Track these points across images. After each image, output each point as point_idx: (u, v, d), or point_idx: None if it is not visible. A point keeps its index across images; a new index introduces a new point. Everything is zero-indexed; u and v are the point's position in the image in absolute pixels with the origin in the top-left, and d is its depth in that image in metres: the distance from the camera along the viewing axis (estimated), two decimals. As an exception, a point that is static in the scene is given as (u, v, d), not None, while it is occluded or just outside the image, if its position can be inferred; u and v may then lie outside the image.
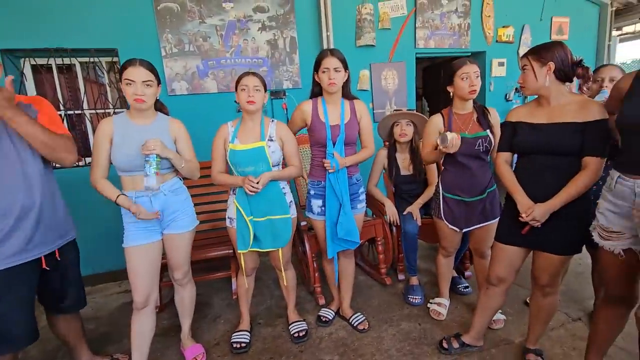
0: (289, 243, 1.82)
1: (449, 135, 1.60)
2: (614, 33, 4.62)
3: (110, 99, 2.85)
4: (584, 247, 1.49)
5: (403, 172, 2.37)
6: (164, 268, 1.96)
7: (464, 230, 1.86)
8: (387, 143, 2.48)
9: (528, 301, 2.11)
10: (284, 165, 1.84)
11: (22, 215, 1.32)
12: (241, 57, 2.94)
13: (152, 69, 1.53)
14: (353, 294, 2.17)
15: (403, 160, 2.37)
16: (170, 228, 1.65)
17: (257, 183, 1.59)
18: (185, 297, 1.84)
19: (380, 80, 3.39)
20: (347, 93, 1.82)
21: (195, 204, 1.83)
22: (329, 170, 1.74)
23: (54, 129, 1.36)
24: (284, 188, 1.79)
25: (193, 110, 2.82)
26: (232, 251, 2.22)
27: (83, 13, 2.55)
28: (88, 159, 2.85)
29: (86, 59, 2.69)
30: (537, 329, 1.67)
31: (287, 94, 3.08)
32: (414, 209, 2.31)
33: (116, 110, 2.84)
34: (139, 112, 1.54)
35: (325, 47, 3.07)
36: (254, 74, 1.67)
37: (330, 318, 2.09)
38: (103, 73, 2.82)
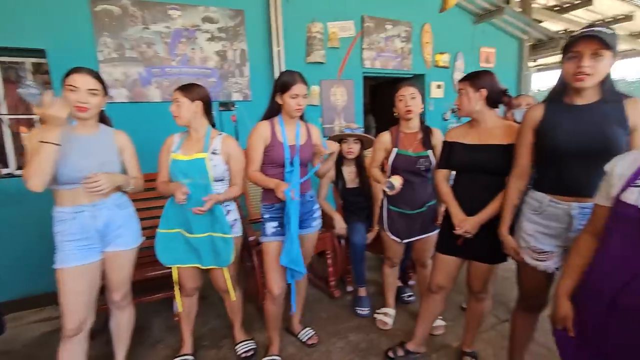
0: (234, 264, 1.76)
1: (396, 182, 1.76)
2: (530, 64, 5.29)
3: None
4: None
5: (349, 184, 2.44)
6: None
7: (405, 241, 1.97)
8: None
9: (464, 306, 2.28)
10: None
11: None
12: (188, 66, 2.84)
13: (98, 77, 1.47)
14: (302, 309, 2.16)
15: (349, 173, 2.44)
16: (114, 245, 1.54)
17: (203, 206, 1.56)
18: (123, 322, 1.70)
19: (330, 96, 3.50)
20: (303, 115, 1.81)
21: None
22: (293, 198, 1.63)
23: None
24: (227, 206, 1.74)
25: (133, 119, 2.64)
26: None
27: (5, 8, 2.30)
28: (5, 170, 2.53)
29: (6, 59, 2.41)
30: (471, 333, 1.80)
31: (236, 105, 3.04)
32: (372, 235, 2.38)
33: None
34: (81, 121, 1.46)
35: (276, 61, 3.10)
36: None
37: None
38: (25, 75, 2.54)
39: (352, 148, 2.35)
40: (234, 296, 1.82)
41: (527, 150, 1.37)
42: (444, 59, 4.13)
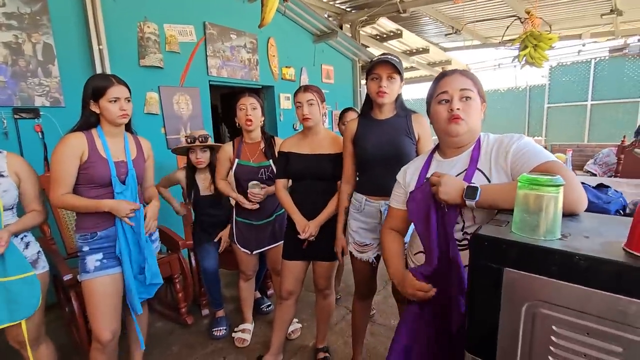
0: (37, 311, 1.37)
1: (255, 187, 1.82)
2: (363, 82, 6.20)
3: None
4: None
5: (204, 192, 2.21)
6: None
7: (256, 252, 1.96)
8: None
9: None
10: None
11: None
12: (-45, 58, 2.10)
13: None
14: (148, 347, 1.86)
15: (203, 180, 2.22)
16: None
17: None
18: None
19: (172, 104, 3.20)
20: (130, 126, 1.59)
21: None
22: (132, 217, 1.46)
23: None
24: (25, 236, 1.39)
25: None
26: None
27: None
28: None
29: None
30: (322, 329, 1.92)
31: (42, 112, 2.42)
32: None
33: None
34: None
35: (98, 61, 2.63)
36: None
37: None
38: None
39: (201, 157, 2.17)
40: (31, 357, 1.41)
41: (350, 158, 1.56)
42: (290, 73, 4.38)
